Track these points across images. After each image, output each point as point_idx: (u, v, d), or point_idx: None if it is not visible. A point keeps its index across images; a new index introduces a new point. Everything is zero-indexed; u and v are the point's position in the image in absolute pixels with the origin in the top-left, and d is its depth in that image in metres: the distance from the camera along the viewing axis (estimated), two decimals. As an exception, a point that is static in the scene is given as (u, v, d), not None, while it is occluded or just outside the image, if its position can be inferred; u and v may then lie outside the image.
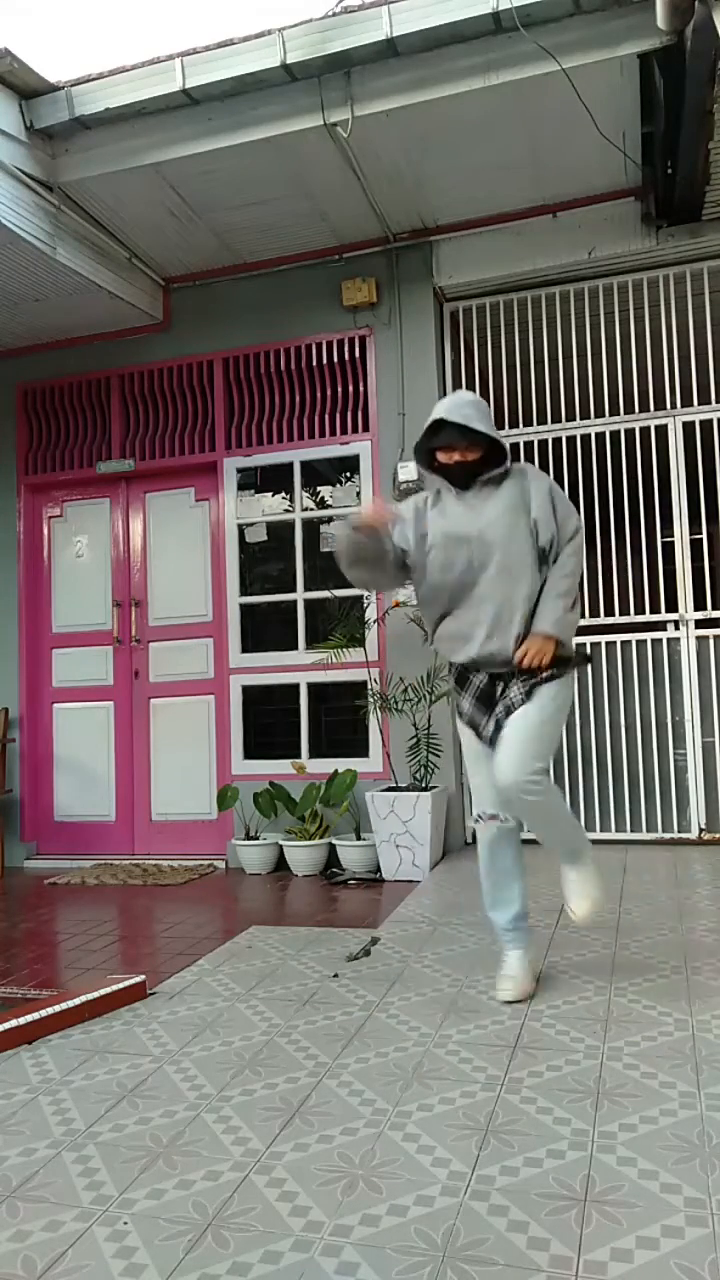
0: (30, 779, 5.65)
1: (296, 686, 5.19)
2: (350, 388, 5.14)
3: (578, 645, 5.04)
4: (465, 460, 2.64)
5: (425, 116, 3.94)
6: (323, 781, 4.83)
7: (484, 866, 2.78)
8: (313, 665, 5.05)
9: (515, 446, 5.08)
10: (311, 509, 5.26)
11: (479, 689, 2.70)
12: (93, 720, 5.64)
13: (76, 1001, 2.70)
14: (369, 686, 4.85)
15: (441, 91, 3.79)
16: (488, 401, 5.22)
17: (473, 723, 2.72)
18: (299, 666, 5.15)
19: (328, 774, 4.87)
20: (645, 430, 5.01)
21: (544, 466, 5.13)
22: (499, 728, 2.63)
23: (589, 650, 5.00)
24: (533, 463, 5.06)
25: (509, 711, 2.60)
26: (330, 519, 5.23)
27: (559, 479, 5.10)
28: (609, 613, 5.18)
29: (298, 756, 5.15)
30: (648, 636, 4.94)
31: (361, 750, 5.05)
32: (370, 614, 4.94)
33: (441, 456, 2.67)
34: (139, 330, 5.47)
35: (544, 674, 2.61)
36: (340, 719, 5.16)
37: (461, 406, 2.63)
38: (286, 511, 5.29)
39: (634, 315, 5.05)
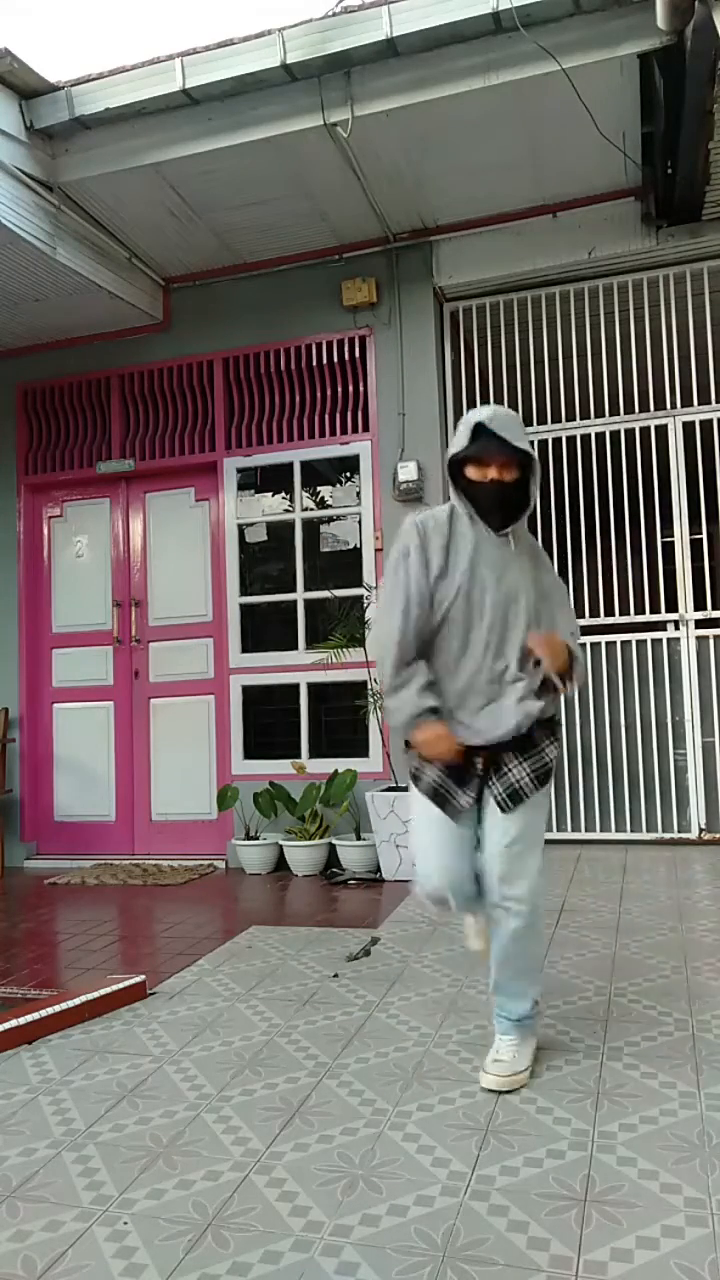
0: (30, 779, 5.65)
1: (296, 686, 5.19)
2: (350, 388, 5.14)
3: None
4: (501, 480, 2.22)
5: (425, 116, 3.94)
6: (323, 781, 4.83)
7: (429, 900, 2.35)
8: (313, 665, 5.05)
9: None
10: (311, 509, 5.26)
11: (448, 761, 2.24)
12: (93, 720, 5.64)
13: (76, 1001, 2.70)
14: (369, 686, 4.85)
15: (441, 91, 3.79)
16: (487, 401, 5.28)
17: (440, 795, 2.24)
18: (299, 666, 5.15)
19: (328, 774, 4.86)
20: (645, 430, 5.01)
21: (544, 466, 5.13)
22: (479, 802, 2.24)
23: (587, 651, 5.01)
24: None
25: (513, 797, 2.19)
26: (330, 519, 5.24)
27: (559, 479, 5.10)
28: (609, 613, 5.18)
29: (298, 756, 5.15)
30: (648, 636, 4.94)
31: (361, 750, 5.05)
32: (370, 614, 4.93)
33: (473, 472, 2.24)
34: (139, 330, 5.47)
35: (544, 754, 2.25)
36: (340, 719, 5.16)
37: (504, 419, 2.24)
38: (286, 511, 5.29)
39: (634, 315, 5.05)
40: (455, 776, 2.23)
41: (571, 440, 5.13)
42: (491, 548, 2.27)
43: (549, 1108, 2.05)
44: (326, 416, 5.18)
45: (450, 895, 2.25)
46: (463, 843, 2.25)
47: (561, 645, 2.21)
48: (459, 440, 2.27)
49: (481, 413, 2.26)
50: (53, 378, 5.69)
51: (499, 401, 5.32)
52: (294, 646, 5.19)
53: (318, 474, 5.27)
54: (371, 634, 2.41)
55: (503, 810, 2.20)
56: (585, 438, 5.11)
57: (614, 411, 5.32)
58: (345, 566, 5.15)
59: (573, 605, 2.38)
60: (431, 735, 2.18)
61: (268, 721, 5.28)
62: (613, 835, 4.87)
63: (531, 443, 2.24)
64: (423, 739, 2.19)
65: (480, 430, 2.22)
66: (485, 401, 5.23)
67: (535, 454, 2.25)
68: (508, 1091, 2.14)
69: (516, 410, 5.41)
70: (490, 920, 2.27)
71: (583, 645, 4.96)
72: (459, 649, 2.25)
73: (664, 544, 5.02)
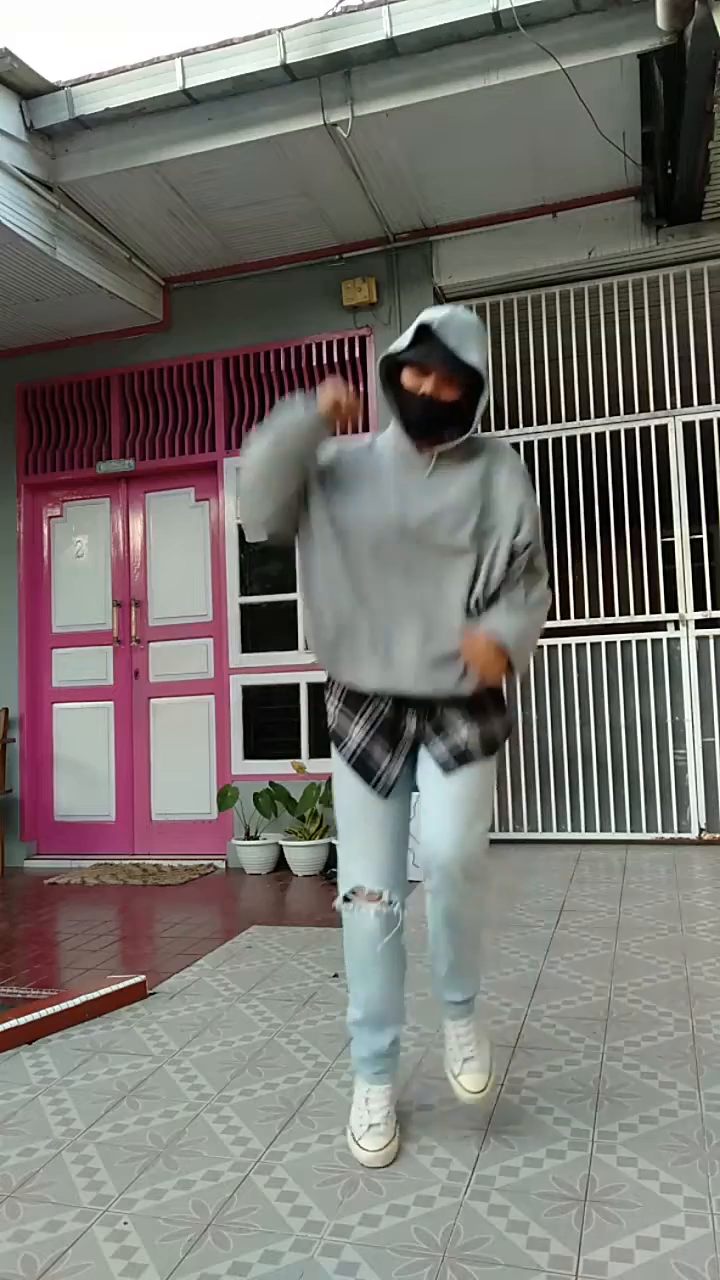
0: (30, 779, 5.65)
1: (296, 686, 5.19)
2: (350, 388, 5.12)
3: (576, 645, 5.06)
4: (436, 397, 1.89)
5: (425, 116, 3.94)
6: (323, 781, 4.82)
7: (359, 965, 1.99)
8: (313, 665, 5.04)
9: (515, 446, 5.08)
10: (311, 509, 5.25)
11: (380, 717, 1.95)
12: (93, 720, 5.64)
13: (76, 1001, 2.70)
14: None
15: (441, 91, 3.79)
16: (487, 402, 5.26)
17: (364, 763, 1.94)
18: (299, 666, 5.15)
19: (328, 774, 4.83)
20: (645, 430, 5.01)
21: (544, 466, 5.13)
22: (413, 772, 1.97)
23: (585, 650, 5.01)
24: (532, 463, 5.06)
25: (458, 757, 1.89)
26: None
27: (559, 479, 5.10)
28: (609, 613, 5.18)
29: (298, 756, 5.15)
30: (648, 636, 4.94)
31: (361, 750, 5.04)
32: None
33: (408, 379, 1.92)
34: (139, 330, 5.47)
35: (490, 724, 1.94)
36: (340, 719, 5.15)
37: (458, 325, 1.88)
38: (286, 511, 5.28)
39: (634, 315, 5.05)
40: (387, 738, 1.94)
41: (571, 440, 5.13)
42: (410, 469, 1.96)
43: (549, 1108, 2.05)
44: (326, 416, 5.17)
45: (384, 886, 1.92)
46: (398, 829, 1.97)
47: (489, 654, 1.86)
48: (401, 339, 1.94)
49: (434, 313, 1.90)
50: (53, 378, 5.69)
51: (498, 400, 5.34)
52: (294, 646, 5.19)
53: (318, 474, 5.26)
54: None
55: (445, 771, 1.89)
56: (585, 438, 5.10)
57: (614, 411, 5.32)
58: (345, 566, 5.14)
59: (536, 506, 2.00)
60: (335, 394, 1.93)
61: (268, 721, 5.28)
62: (613, 835, 4.87)
63: (488, 363, 1.93)
64: (320, 398, 1.96)
65: (425, 333, 1.88)
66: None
67: (487, 372, 1.91)
68: (479, 1094, 1.93)
69: (517, 410, 5.46)
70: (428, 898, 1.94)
71: (581, 645, 5.02)
72: (365, 589, 1.94)
73: (664, 544, 5.02)
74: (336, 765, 2.03)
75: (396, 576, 1.93)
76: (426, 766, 1.95)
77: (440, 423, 1.92)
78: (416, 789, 1.99)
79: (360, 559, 1.95)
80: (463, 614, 1.92)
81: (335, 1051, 2.40)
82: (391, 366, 1.97)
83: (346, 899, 1.96)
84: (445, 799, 1.88)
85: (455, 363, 1.87)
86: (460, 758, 1.89)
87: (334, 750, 2.03)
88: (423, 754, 1.96)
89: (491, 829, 2.26)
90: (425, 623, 1.92)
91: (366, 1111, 1.92)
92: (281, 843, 4.83)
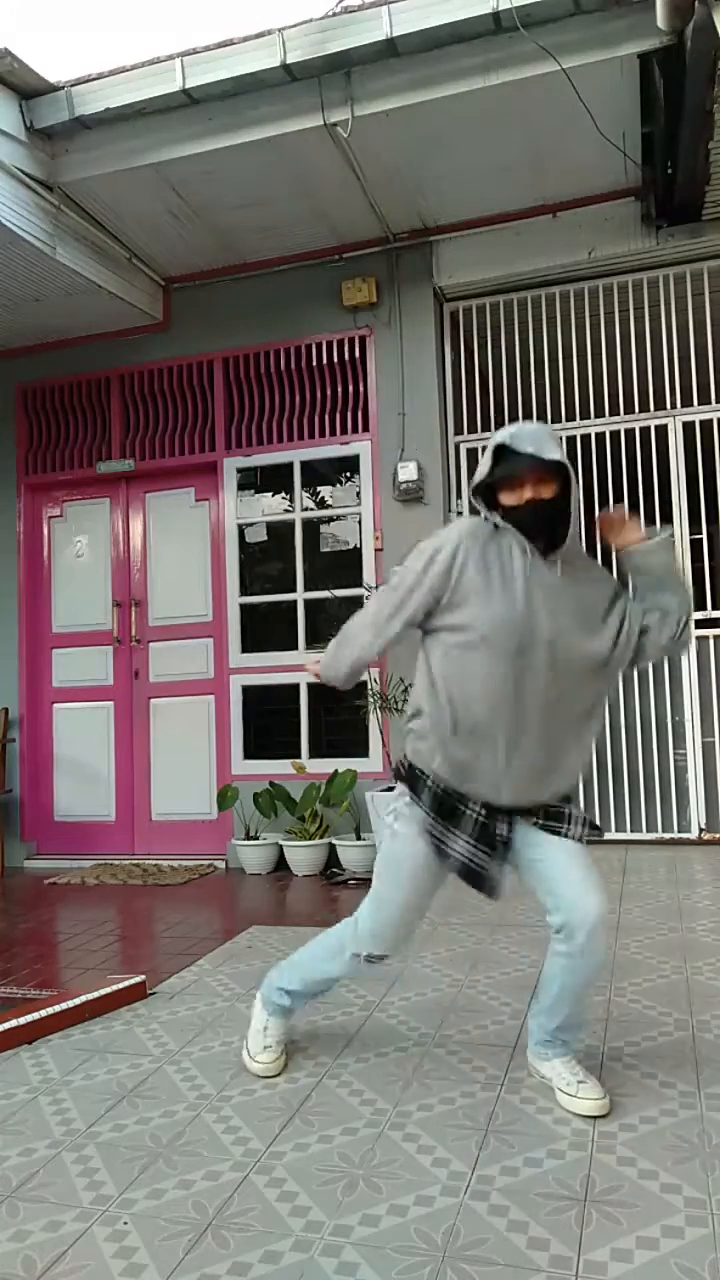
0: (30, 779, 5.65)
1: (296, 686, 5.19)
2: (350, 388, 5.14)
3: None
4: (539, 499, 1.96)
5: (425, 116, 3.94)
6: (323, 781, 4.83)
7: (332, 974, 2.26)
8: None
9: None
10: (311, 509, 5.26)
11: (476, 825, 2.01)
12: (93, 720, 5.64)
13: (76, 1001, 2.70)
14: (369, 686, 4.85)
15: (441, 91, 3.79)
16: (487, 401, 5.29)
17: (472, 870, 2.03)
18: (299, 666, 5.14)
19: (328, 774, 4.86)
20: (645, 430, 5.01)
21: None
22: (504, 860, 2.05)
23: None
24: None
25: (592, 827, 2.08)
26: (330, 519, 5.24)
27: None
28: (609, 613, 5.17)
29: (298, 756, 5.15)
30: (647, 636, 4.93)
31: (361, 750, 5.05)
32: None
33: (507, 498, 1.99)
34: (139, 330, 5.47)
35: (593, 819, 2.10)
36: (340, 719, 5.15)
37: (529, 433, 1.98)
38: (286, 511, 5.29)
39: (634, 315, 5.05)
40: (486, 844, 2.00)
41: (571, 440, 5.13)
42: (543, 576, 2.00)
43: (549, 1108, 2.05)
44: (326, 416, 5.18)
45: (393, 952, 2.17)
46: (429, 897, 2.14)
47: (623, 521, 2.08)
48: (482, 467, 2.03)
49: (502, 433, 2.00)
50: (53, 378, 5.69)
51: (498, 400, 5.34)
52: (294, 646, 5.19)
53: (318, 474, 5.27)
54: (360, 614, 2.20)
55: (579, 841, 2.04)
56: (585, 438, 5.10)
57: (614, 411, 5.32)
58: (345, 566, 5.15)
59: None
60: None
61: (268, 721, 5.28)
62: (613, 835, 4.87)
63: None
64: None
65: (503, 451, 1.98)
66: (485, 401, 5.24)
67: (569, 464, 1.98)
68: (603, 1115, 2.00)
69: (517, 410, 5.46)
70: (558, 953, 2.04)
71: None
72: (501, 682, 1.96)
73: (664, 544, 5.01)
74: (404, 833, 2.09)
75: (536, 684, 1.97)
76: (548, 841, 2.04)
77: (551, 522, 1.99)
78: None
79: (501, 664, 1.97)
80: (586, 727, 2.07)
81: (335, 1051, 2.40)
82: (487, 494, 2.04)
83: (369, 960, 2.16)
84: (583, 866, 2.01)
85: (540, 462, 1.95)
86: (591, 827, 2.07)
87: (398, 826, 2.11)
88: (530, 836, 2.05)
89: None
90: (550, 737, 2.00)
91: (264, 1036, 2.31)
92: (281, 843, 4.83)
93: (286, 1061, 2.32)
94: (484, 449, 2.06)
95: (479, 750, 1.99)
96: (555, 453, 1.95)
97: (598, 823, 2.19)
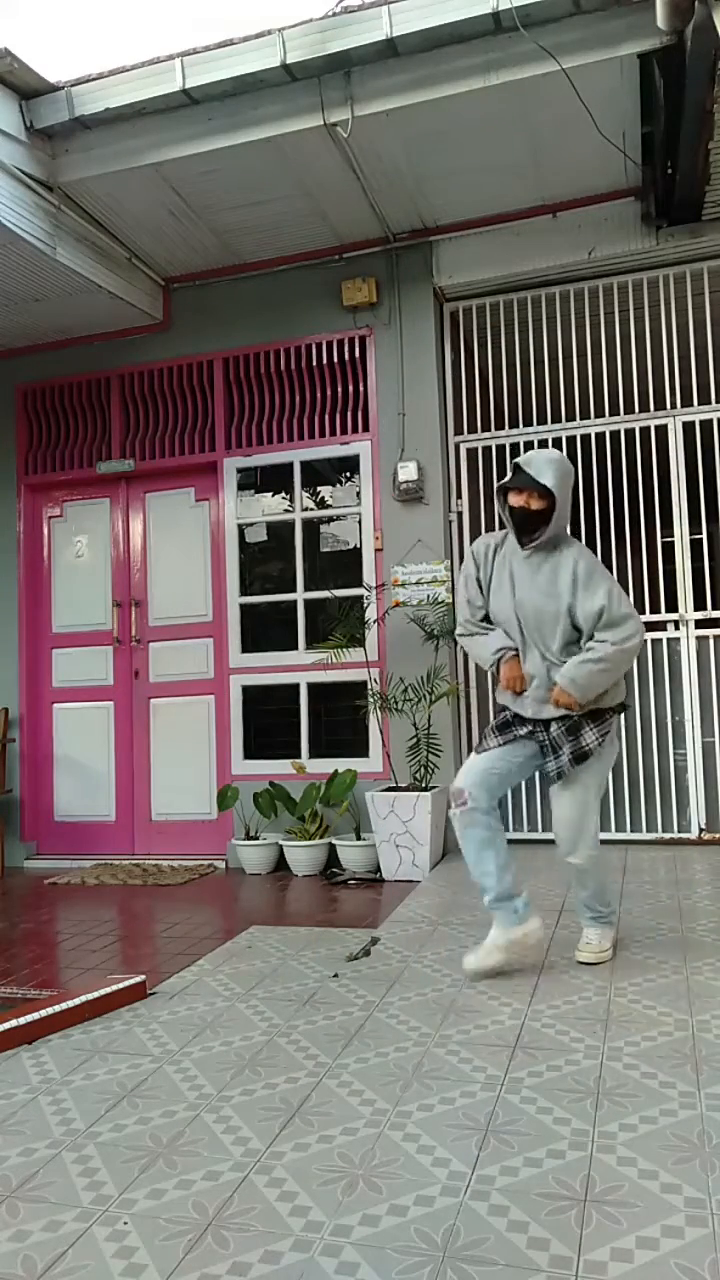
0: (30, 779, 5.65)
1: (296, 686, 5.19)
2: (350, 388, 5.14)
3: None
4: (528, 508, 2.85)
5: (425, 116, 3.94)
6: (323, 781, 4.82)
7: (463, 847, 2.94)
8: (313, 665, 5.05)
9: (515, 446, 5.08)
10: (311, 509, 5.26)
11: (502, 719, 3.01)
12: (93, 720, 5.64)
13: (76, 1001, 2.70)
14: (369, 686, 4.85)
15: (441, 91, 3.79)
16: (487, 401, 5.28)
17: (483, 739, 3.02)
18: (299, 666, 5.15)
19: (328, 774, 4.86)
20: (645, 430, 5.01)
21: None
22: (508, 744, 2.95)
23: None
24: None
25: (558, 774, 2.87)
26: (330, 519, 5.24)
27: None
28: (609, 613, 5.17)
29: (298, 756, 5.15)
30: (647, 636, 4.91)
31: (361, 750, 5.05)
32: (370, 614, 4.93)
33: (513, 499, 2.88)
34: (139, 330, 5.47)
35: (581, 739, 2.84)
36: (340, 719, 5.15)
37: (538, 460, 2.86)
38: (286, 511, 5.29)
39: (634, 315, 5.05)
40: (499, 732, 2.98)
41: (571, 440, 5.13)
42: (520, 562, 2.93)
43: (549, 1108, 2.05)
44: (326, 416, 5.18)
45: (468, 790, 2.87)
46: (500, 762, 2.92)
47: (561, 696, 2.81)
48: (509, 475, 2.94)
49: (525, 456, 2.90)
50: (53, 378, 5.69)
51: (498, 400, 5.35)
52: (294, 646, 5.19)
53: (318, 474, 5.27)
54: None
55: (552, 781, 2.91)
56: (585, 438, 5.10)
57: (614, 411, 5.32)
58: (345, 566, 5.15)
59: (609, 579, 2.85)
60: (508, 673, 2.94)
61: (268, 721, 5.28)
62: (613, 835, 4.86)
63: (573, 481, 2.93)
64: (503, 675, 2.95)
65: (519, 469, 2.88)
66: (485, 401, 5.26)
67: (557, 489, 2.81)
68: (596, 963, 2.94)
69: (517, 410, 5.46)
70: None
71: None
72: (517, 642, 2.94)
73: (664, 544, 5.02)
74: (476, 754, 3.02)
75: (528, 634, 2.91)
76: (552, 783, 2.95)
77: (535, 525, 2.88)
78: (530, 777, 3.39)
79: (510, 622, 2.95)
80: (560, 660, 2.85)
81: (335, 1051, 2.40)
82: (502, 493, 2.95)
83: (455, 798, 2.92)
84: (558, 811, 2.91)
85: (532, 483, 2.83)
86: (559, 774, 2.88)
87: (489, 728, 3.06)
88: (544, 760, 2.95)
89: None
90: (538, 670, 2.89)
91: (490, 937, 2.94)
92: (281, 843, 4.83)
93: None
94: (511, 461, 3.10)
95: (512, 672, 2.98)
96: (547, 478, 2.82)
97: (567, 769, 2.85)
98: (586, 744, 2.83)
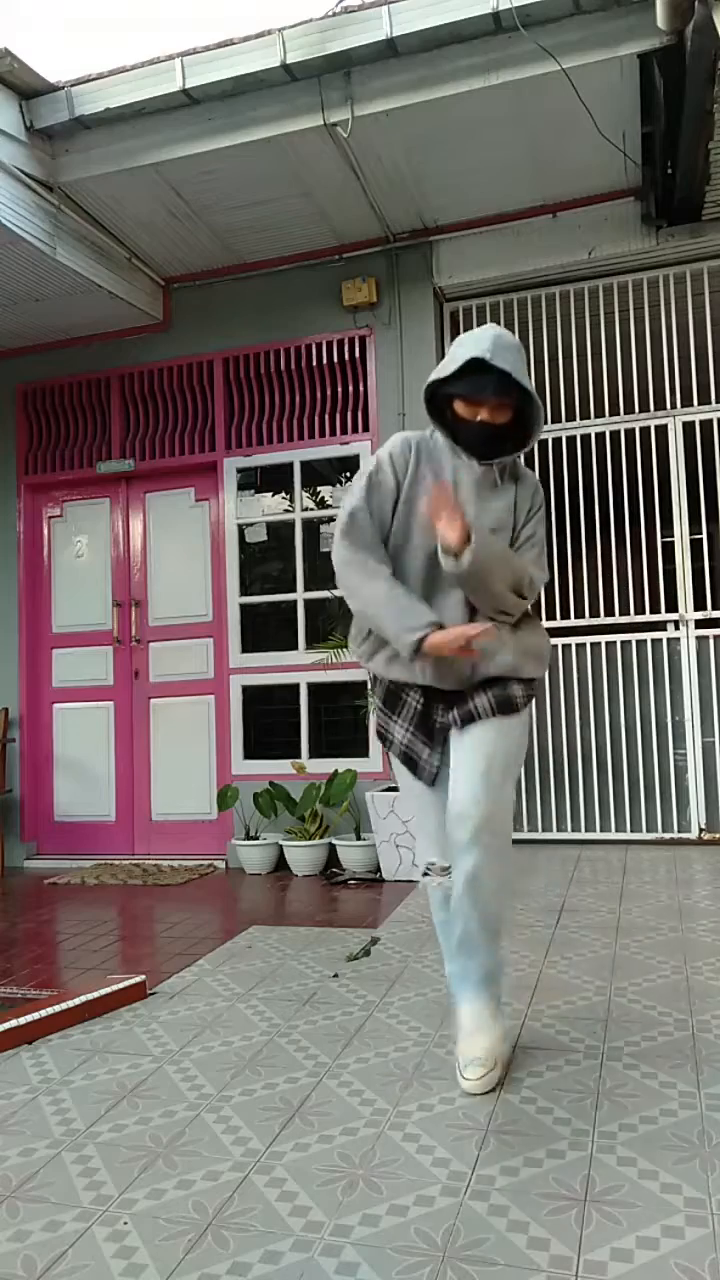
0: (30, 779, 5.65)
1: (296, 686, 5.19)
2: (350, 388, 5.14)
3: (576, 646, 5.06)
4: (492, 423, 2.03)
5: (425, 116, 3.94)
6: (323, 781, 4.82)
7: (439, 924, 2.30)
8: (313, 665, 5.05)
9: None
10: (311, 509, 5.26)
11: (414, 713, 2.17)
12: (93, 720, 5.64)
13: (76, 1001, 2.70)
14: (369, 686, 4.85)
15: (441, 91, 3.79)
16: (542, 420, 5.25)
17: (409, 755, 2.19)
18: (299, 666, 5.15)
19: (328, 774, 4.86)
20: (645, 430, 5.01)
21: (544, 466, 5.14)
22: (444, 750, 2.16)
23: (585, 650, 5.01)
24: (532, 463, 5.06)
25: (465, 718, 2.10)
26: (331, 519, 5.23)
27: (559, 479, 5.10)
28: (609, 613, 5.18)
29: (298, 756, 5.15)
30: (648, 636, 4.94)
31: (361, 750, 5.05)
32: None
33: (463, 409, 2.04)
34: (139, 330, 5.47)
35: (508, 687, 2.11)
36: (340, 719, 5.16)
37: (505, 350, 1.97)
38: (286, 511, 5.29)
39: (634, 315, 5.05)
40: (423, 732, 2.17)
41: (571, 440, 5.14)
42: (472, 481, 2.09)
43: (549, 1108, 2.05)
44: (326, 416, 5.18)
45: (439, 861, 2.20)
46: (442, 801, 2.16)
47: (450, 512, 1.94)
48: (447, 366, 2.02)
49: (481, 343, 1.97)
50: (53, 378, 5.69)
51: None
52: (294, 646, 5.19)
53: (318, 474, 5.27)
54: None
55: (457, 726, 2.10)
56: (585, 438, 5.10)
57: (614, 411, 5.32)
58: (345, 566, 5.14)
59: (546, 560, 2.25)
60: (447, 637, 1.97)
61: (268, 721, 5.28)
62: (613, 835, 4.87)
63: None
64: (440, 642, 1.97)
65: (475, 365, 1.97)
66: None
67: (535, 395, 2.06)
68: (486, 1092, 2.09)
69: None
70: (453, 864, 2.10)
71: (581, 646, 5.02)
72: (425, 582, 2.09)
73: (664, 544, 5.02)
74: (391, 758, 2.30)
75: (446, 579, 2.08)
76: (452, 739, 2.14)
77: (497, 441, 2.08)
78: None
79: (420, 560, 2.11)
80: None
81: (335, 1052, 2.40)
82: (436, 393, 2.08)
83: (425, 873, 2.22)
84: (465, 760, 2.07)
85: (505, 390, 1.99)
86: (466, 717, 2.10)
87: (382, 744, 2.33)
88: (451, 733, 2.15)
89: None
90: (456, 624, 2.05)
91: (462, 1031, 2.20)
92: (281, 843, 4.83)
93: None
94: (454, 343, 2.06)
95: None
96: (526, 379, 2.00)
97: (485, 713, 2.11)
98: (513, 693, 2.12)
